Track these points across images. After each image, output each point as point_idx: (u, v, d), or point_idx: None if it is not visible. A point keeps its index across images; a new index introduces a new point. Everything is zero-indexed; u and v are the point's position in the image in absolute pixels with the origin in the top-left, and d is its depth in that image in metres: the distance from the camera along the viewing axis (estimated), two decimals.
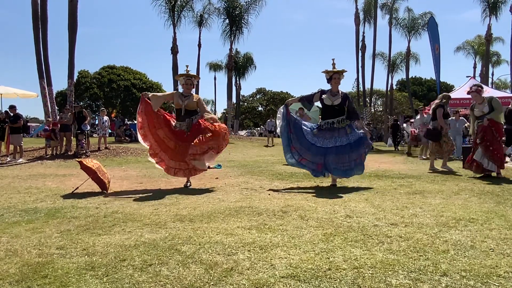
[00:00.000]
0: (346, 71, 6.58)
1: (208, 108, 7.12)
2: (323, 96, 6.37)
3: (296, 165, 6.63)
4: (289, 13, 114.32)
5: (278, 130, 6.90)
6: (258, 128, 49.94)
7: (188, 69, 6.73)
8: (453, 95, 17.53)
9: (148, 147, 6.51)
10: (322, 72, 6.54)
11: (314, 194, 5.57)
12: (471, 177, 7.23)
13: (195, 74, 6.87)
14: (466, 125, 12.65)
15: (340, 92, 6.39)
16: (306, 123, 6.74)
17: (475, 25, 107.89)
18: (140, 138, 6.50)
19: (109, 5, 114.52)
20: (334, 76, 6.37)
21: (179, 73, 6.76)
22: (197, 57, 30.11)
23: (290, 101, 6.94)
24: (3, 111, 11.72)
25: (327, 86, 6.49)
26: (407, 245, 3.09)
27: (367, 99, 34.20)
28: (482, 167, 7.14)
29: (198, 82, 29.91)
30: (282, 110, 6.68)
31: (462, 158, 9.58)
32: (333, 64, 6.48)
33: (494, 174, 7.16)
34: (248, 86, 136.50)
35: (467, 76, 21.02)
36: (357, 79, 33.81)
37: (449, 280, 2.41)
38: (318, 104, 6.84)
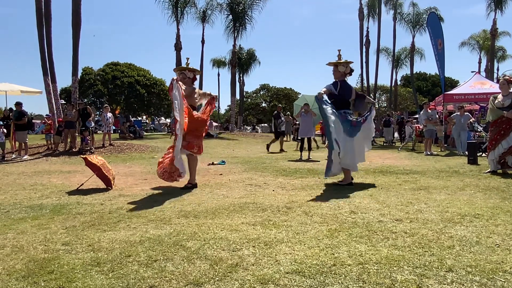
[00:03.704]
0: (351, 62, 6.21)
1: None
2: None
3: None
4: (292, 8, 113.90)
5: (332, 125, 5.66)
6: (263, 125, 49.84)
7: (188, 61, 6.48)
8: (458, 90, 17.42)
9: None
10: (326, 64, 6.36)
11: (318, 190, 5.57)
12: (476, 173, 7.19)
13: (194, 68, 6.48)
14: (471, 120, 12.56)
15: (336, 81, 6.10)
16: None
17: (480, 20, 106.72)
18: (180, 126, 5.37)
19: (113, 2, 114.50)
20: (334, 68, 6.15)
21: (176, 67, 6.41)
22: (200, 53, 30.03)
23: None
24: (7, 108, 11.71)
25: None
26: (412, 240, 3.08)
27: (371, 94, 34.05)
28: (507, 164, 7.03)
29: (201, 77, 29.70)
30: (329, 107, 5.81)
31: (467, 154, 9.52)
32: (339, 55, 6.30)
33: (500, 171, 7.10)
34: (252, 82, 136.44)
35: (472, 71, 20.83)
36: (361, 74, 33.66)
37: (455, 276, 2.40)
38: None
